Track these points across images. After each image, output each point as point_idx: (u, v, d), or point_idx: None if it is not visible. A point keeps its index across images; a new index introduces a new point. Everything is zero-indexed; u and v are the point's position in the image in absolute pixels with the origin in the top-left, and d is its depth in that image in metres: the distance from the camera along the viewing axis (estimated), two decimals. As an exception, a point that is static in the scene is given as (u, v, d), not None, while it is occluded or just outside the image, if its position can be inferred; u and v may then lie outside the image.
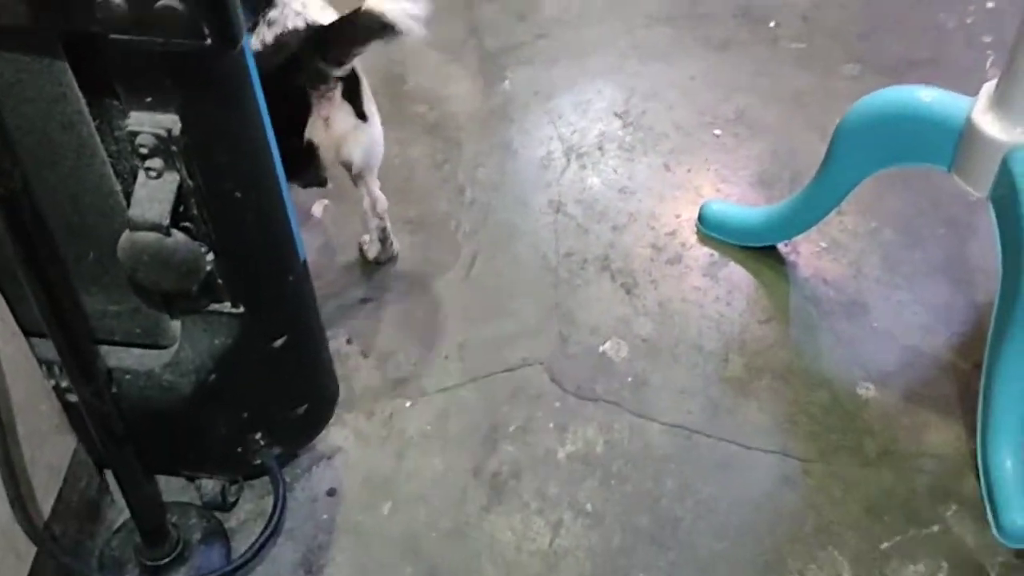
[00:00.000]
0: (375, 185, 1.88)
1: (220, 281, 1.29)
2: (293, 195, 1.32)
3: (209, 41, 0.99)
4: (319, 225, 2.04)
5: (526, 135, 2.23)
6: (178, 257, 1.18)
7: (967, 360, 1.78)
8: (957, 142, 1.61)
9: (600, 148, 2.18)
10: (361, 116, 1.73)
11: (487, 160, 2.17)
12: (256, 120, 1.17)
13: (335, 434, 1.72)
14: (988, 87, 1.59)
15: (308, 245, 1.98)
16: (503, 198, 2.10)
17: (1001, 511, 1.58)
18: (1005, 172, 1.54)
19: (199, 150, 1.14)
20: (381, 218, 1.92)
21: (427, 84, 2.27)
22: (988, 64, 2.28)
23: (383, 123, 2.23)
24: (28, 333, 1.38)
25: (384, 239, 1.96)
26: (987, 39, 2.32)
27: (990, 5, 2.39)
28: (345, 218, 2.05)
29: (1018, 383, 1.60)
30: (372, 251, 1.98)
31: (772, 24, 2.40)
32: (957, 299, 1.88)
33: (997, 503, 1.59)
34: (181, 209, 1.19)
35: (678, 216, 2.04)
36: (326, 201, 2.08)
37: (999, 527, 1.58)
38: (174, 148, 1.12)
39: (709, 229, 2.00)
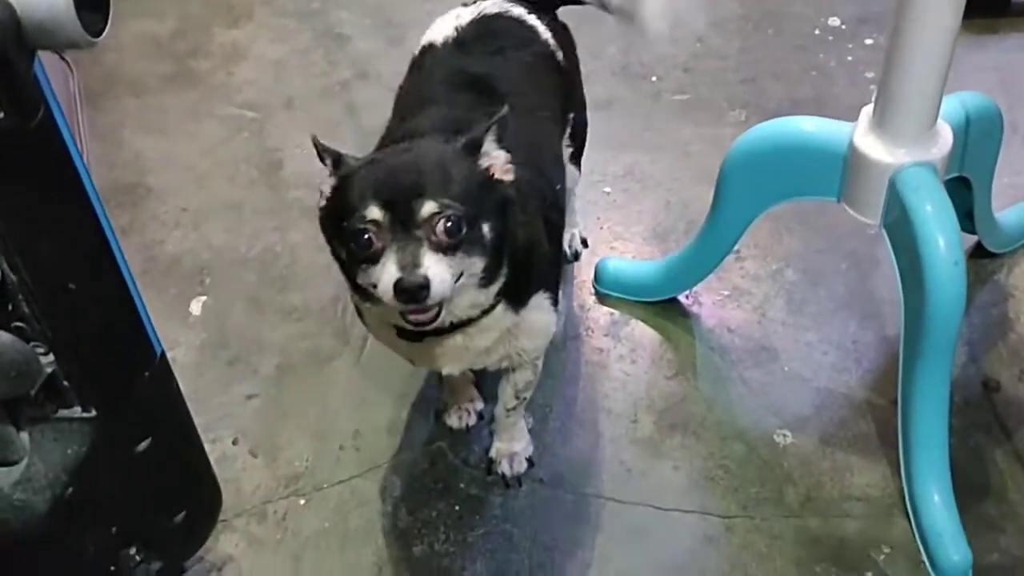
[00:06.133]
0: None
1: (66, 383, 1.17)
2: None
3: (2, 115, 0.89)
4: (198, 323, 1.93)
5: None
6: (5, 359, 1.07)
7: (883, 396, 1.72)
8: (843, 170, 1.56)
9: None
10: None
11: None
12: (82, 203, 1.08)
13: (225, 541, 1.59)
14: (867, 110, 1.55)
15: (187, 344, 1.89)
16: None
17: (935, 550, 1.51)
18: (894, 195, 1.49)
19: (20, 240, 1.04)
20: None
21: (304, 168, 2.19)
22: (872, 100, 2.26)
23: (263, 211, 2.16)
24: None
25: None
26: (869, 75, 2.30)
27: (868, 42, 2.38)
28: (226, 314, 1.94)
29: (935, 414, 1.53)
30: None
31: (653, 79, 2.36)
32: (866, 335, 1.83)
33: (930, 542, 1.52)
34: (10, 307, 1.09)
35: (575, 278, 1.96)
36: (204, 298, 1.97)
37: (936, 567, 1.50)
38: (-10, 241, 1.02)
39: (607, 288, 1.92)
